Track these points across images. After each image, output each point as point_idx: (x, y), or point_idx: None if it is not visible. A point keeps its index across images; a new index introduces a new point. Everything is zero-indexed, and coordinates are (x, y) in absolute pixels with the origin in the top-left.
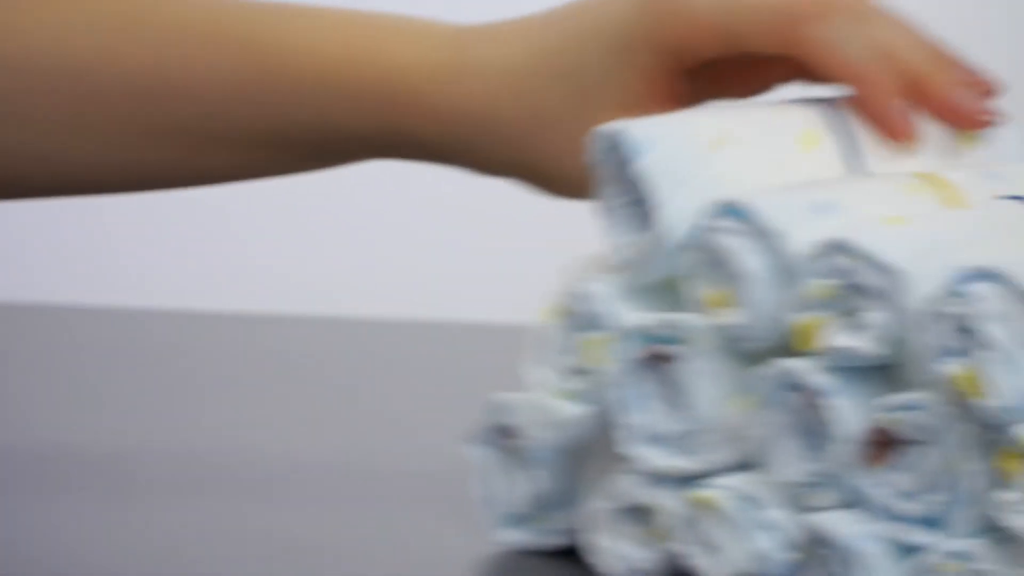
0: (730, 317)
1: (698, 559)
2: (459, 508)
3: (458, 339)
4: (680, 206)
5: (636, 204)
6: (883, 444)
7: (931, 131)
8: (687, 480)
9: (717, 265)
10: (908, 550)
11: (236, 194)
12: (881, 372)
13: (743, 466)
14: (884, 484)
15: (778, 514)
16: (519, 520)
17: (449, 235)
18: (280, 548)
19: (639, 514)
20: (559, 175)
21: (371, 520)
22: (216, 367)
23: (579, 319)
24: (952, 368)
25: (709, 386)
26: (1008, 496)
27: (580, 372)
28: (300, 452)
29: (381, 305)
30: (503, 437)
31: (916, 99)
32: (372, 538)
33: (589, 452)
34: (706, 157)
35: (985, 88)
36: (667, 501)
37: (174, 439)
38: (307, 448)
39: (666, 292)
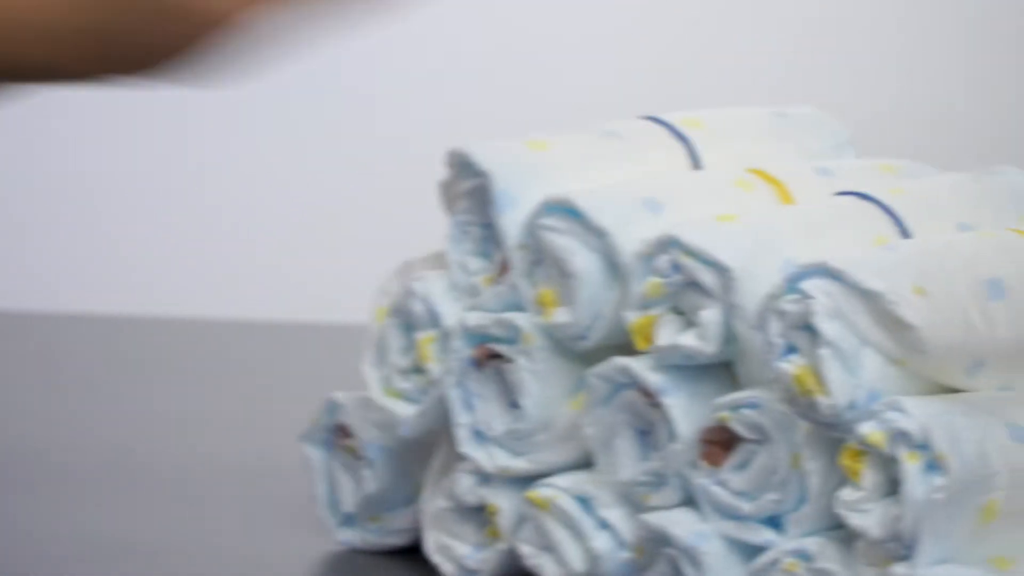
0: (560, 316)
1: (535, 559)
2: (307, 508)
3: (316, 339)
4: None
5: (483, 226)
6: (722, 443)
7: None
8: (524, 480)
9: (548, 263)
10: (750, 549)
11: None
12: (720, 370)
13: (580, 465)
14: (723, 483)
15: (615, 513)
16: (357, 520)
17: (294, 236)
18: (120, 547)
19: (477, 514)
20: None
21: (218, 519)
22: (67, 368)
23: (414, 318)
24: (790, 366)
25: (542, 385)
26: (851, 494)
27: (416, 371)
28: (147, 451)
29: (237, 307)
30: (339, 436)
31: None
32: (216, 538)
33: (429, 451)
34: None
35: None
36: (503, 501)
37: (31, 436)
38: (155, 446)
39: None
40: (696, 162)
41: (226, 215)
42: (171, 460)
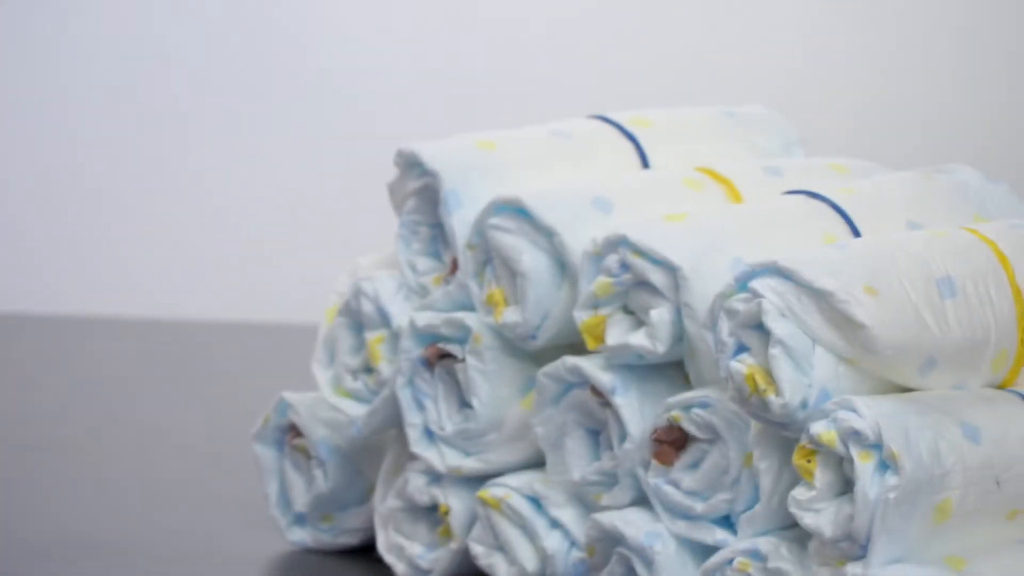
0: (510, 315)
1: (487, 558)
2: (259, 507)
3: (266, 339)
4: (466, 218)
5: (432, 226)
6: (674, 442)
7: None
8: (475, 480)
9: (497, 263)
10: (703, 548)
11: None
12: (671, 369)
13: (531, 465)
14: (675, 483)
15: (567, 513)
16: (309, 519)
17: (291, 238)
18: (80, 547)
19: (430, 513)
20: None
21: (172, 518)
22: (49, 368)
23: (364, 318)
24: (741, 365)
25: (492, 385)
26: (804, 494)
27: (366, 371)
28: (114, 451)
29: (233, 308)
30: (291, 436)
31: None
32: (169, 537)
33: (381, 451)
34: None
35: None
36: (455, 501)
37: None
38: (122, 446)
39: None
40: (645, 161)
41: (226, 218)
42: (137, 460)
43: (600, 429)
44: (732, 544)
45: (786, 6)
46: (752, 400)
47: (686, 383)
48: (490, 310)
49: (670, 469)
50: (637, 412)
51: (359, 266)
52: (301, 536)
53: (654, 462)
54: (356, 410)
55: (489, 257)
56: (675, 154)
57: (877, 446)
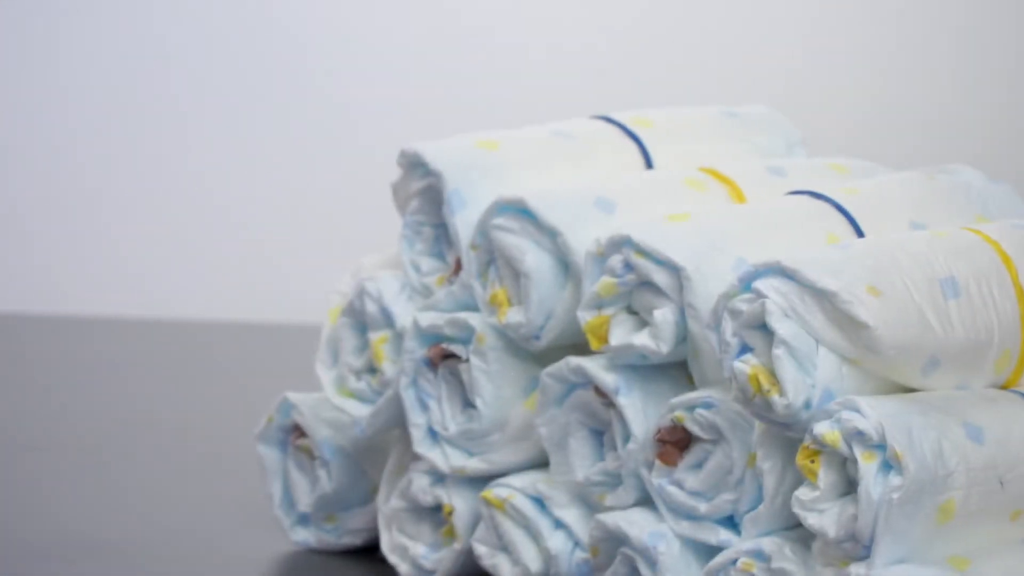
0: (513, 316)
1: (491, 559)
2: (263, 507)
3: (268, 339)
4: (469, 218)
5: (436, 226)
6: (677, 443)
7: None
8: (479, 480)
9: (501, 263)
10: (706, 549)
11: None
12: (674, 369)
13: (535, 465)
14: (679, 483)
15: (570, 513)
16: (313, 520)
17: (290, 239)
18: (80, 547)
19: (434, 514)
20: None
21: (175, 518)
22: (48, 368)
23: (368, 318)
24: (745, 366)
25: (496, 385)
26: (807, 494)
27: (369, 371)
28: (117, 451)
29: (230, 309)
30: (294, 436)
31: None
32: (172, 537)
33: (385, 451)
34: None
35: None
36: (459, 501)
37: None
38: (124, 447)
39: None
40: (648, 161)
41: (226, 218)
42: (138, 460)
43: (604, 429)
44: (736, 544)
45: (786, 6)
46: (756, 400)
47: (689, 383)
48: (494, 310)
49: (674, 469)
50: (641, 412)
51: (362, 266)
52: (305, 536)
53: (658, 462)
54: (360, 410)
55: (492, 257)
56: (676, 154)
57: (881, 446)
